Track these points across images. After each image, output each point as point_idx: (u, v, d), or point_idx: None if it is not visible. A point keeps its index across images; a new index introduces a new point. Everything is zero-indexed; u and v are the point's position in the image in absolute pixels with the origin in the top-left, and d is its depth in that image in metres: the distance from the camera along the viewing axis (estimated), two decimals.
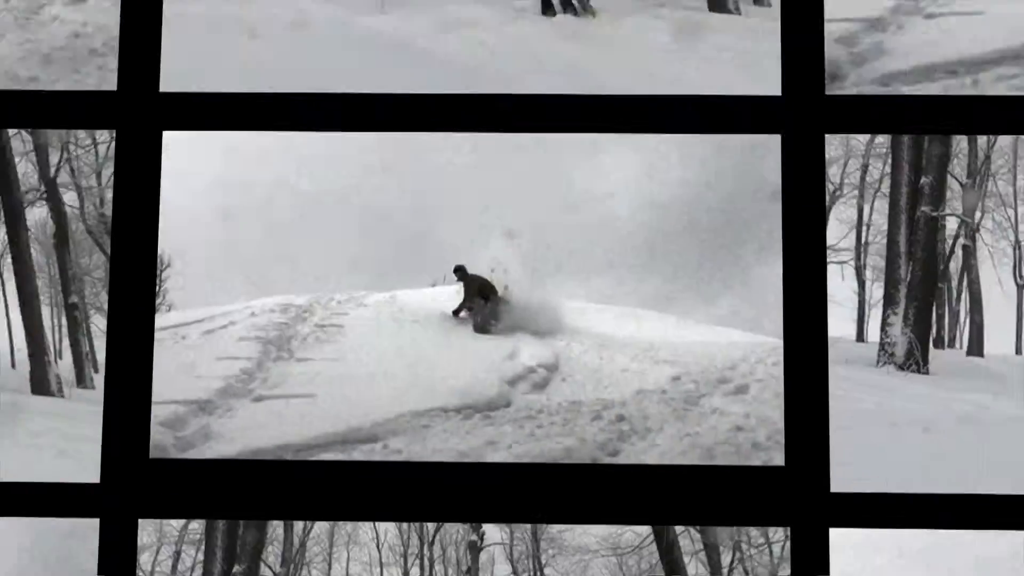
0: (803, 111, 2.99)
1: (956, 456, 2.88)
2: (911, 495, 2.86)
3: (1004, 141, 2.99)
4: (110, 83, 3.02)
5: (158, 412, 2.93)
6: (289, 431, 2.94)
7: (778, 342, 2.90)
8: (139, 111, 3.04)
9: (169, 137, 3.01)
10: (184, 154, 3.01)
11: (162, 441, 2.94)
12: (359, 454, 2.91)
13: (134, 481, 2.96)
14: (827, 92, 2.98)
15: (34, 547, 2.96)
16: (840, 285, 2.96)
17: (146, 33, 3.04)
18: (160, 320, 2.99)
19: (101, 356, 2.98)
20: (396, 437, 2.93)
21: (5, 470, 2.98)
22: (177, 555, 2.96)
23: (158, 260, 3.02)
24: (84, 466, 2.94)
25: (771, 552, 2.90)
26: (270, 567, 2.97)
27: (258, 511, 2.97)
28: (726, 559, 2.91)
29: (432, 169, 3.07)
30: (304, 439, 2.91)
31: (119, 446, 2.96)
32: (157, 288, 3.02)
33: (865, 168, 3.04)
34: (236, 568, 2.97)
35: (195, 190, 3.04)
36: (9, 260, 3.08)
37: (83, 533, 2.94)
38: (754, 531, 2.89)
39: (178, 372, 2.99)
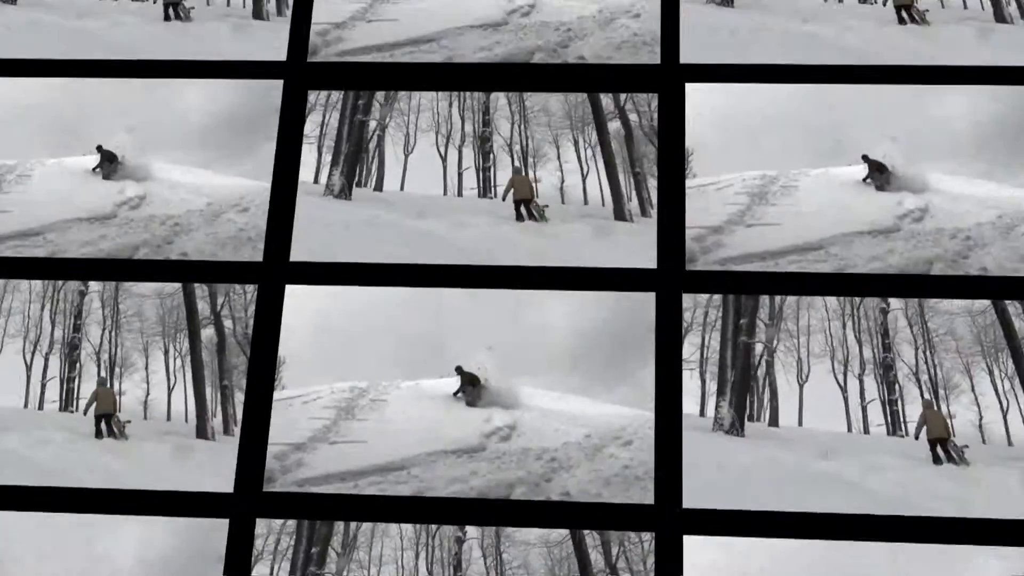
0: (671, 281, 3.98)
1: (769, 487, 3.81)
2: (748, 511, 3.76)
3: (791, 299, 3.98)
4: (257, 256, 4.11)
5: (272, 450, 3.93)
6: (350, 464, 3.94)
7: (651, 415, 3.89)
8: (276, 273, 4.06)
9: None
10: None
11: (272, 467, 3.92)
12: (392, 478, 3.90)
13: (256, 499, 3.87)
14: (688, 268, 3.98)
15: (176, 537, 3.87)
16: (689, 383, 3.94)
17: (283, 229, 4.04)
18: (277, 394, 4.01)
19: (239, 415, 3.98)
20: (416, 468, 3.93)
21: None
22: (277, 540, 3.86)
23: (277, 360, 4.02)
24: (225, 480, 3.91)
25: (643, 547, 3.76)
26: (335, 548, 3.85)
27: (332, 515, 3.87)
28: (615, 550, 3.78)
29: (447, 312, 4.02)
30: (359, 468, 3.93)
31: (249, 473, 3.90)
32: (276, 378, 4.01)
33: (706, 313, 3.98)
34: (313, 549, 3.86)
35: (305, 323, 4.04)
36: (190, 359, 4.05)
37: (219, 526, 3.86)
38: (632, 534, 3.77)
39: (286, 426, 3.98)
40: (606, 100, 4.22)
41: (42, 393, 4.03)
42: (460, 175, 4.21)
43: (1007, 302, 3.91)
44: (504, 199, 4.15)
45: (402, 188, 4.18)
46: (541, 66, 4.27)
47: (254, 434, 3.89)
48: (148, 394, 4.03)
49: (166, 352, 4.06)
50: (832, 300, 3.97)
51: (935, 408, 3.87)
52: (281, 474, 3.88)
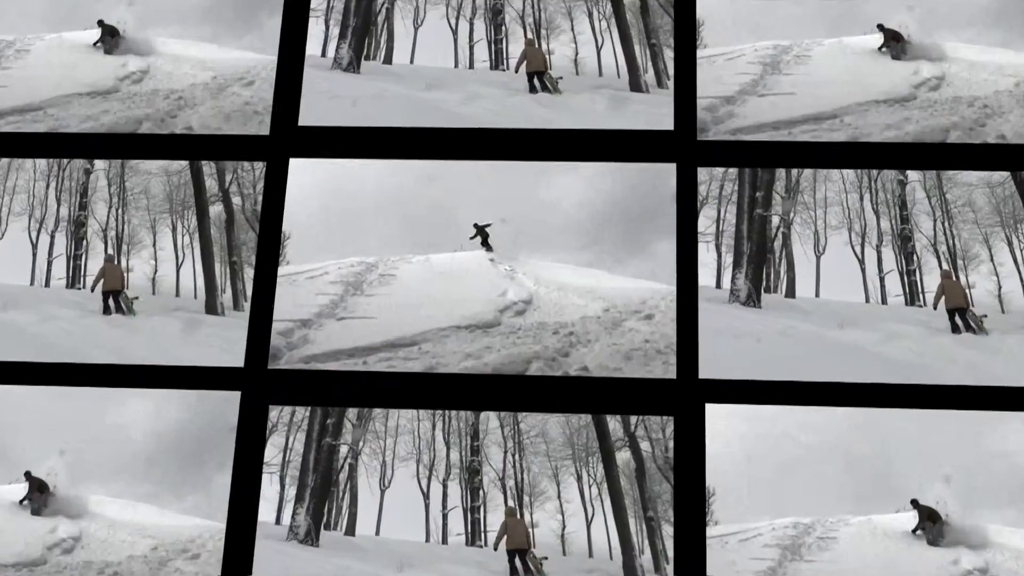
0: (684, 149, 4.10)
1: (778, 355, 3.90)
2: (755, 381, 3.87)
3: (807, 171, 4.09)
4: (265, 129, 4.25)
5: (277, 326, 4.01)
6: (359, 340, 4.00)
7: (671, 288, 3.97)
8: (281, 147, 4.20)
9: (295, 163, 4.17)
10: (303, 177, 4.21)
11: (278, 345, 3.99)
12: (403, 353, 3.97)
13: (263, 380, 3.95)
14: (699, 139, 4.12)
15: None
16: (706, 255, 4.04)
17: (289, 100, 4.25)
18: (281, 270, 4.10)
19: (250, 290, 4.07)
20: (427, 343, 3.99)
21: (187, 359, 3.98)
22: (293, 412, 3.94)
23: (282, 235, 4.12)
24: (235, 356, 3.98)
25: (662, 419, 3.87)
26: (349, 420, 3.94)
27: (339, 401, 3.95)
28: (633, 419, 3.89)
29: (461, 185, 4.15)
30: (368, 344, 3.99)
31: (257, 347, 3.98)
32: (281, 251, 4.12)
33: (722, 186, 4.09)
34: (329, 420, 3.95)
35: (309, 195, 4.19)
36: (198, 236, 4.17)
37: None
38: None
39: (290, 301, 4.06)
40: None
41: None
42: None
43: None
44: None
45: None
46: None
47: None
48: None
49: None
50: None
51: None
52: (287, 350, 4.07)
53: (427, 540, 3.86)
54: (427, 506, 3.90)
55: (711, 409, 3.89)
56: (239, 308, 4.10)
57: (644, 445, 3.89)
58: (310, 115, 4.29)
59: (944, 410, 3.84)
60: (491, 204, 4.17)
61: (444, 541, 3.86)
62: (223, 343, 4.05)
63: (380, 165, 4.23)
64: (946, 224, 4.05)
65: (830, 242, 4.07)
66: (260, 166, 4.23)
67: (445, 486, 3.92)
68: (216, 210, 4.22)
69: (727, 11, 4.32)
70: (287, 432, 3.96)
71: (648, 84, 4.28)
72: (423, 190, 4.20)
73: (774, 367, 3.92)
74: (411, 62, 4.37)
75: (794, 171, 4.12)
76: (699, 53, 4.25)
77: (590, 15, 4.35)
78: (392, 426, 3.96)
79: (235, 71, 4.38)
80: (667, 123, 4.19)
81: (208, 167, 4.27)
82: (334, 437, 3.98)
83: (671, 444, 3.87)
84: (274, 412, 3.98)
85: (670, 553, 3.77)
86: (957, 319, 3.95)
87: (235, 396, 3.99)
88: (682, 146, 4.16)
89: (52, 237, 4.23)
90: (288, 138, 4.26)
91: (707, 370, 3.93)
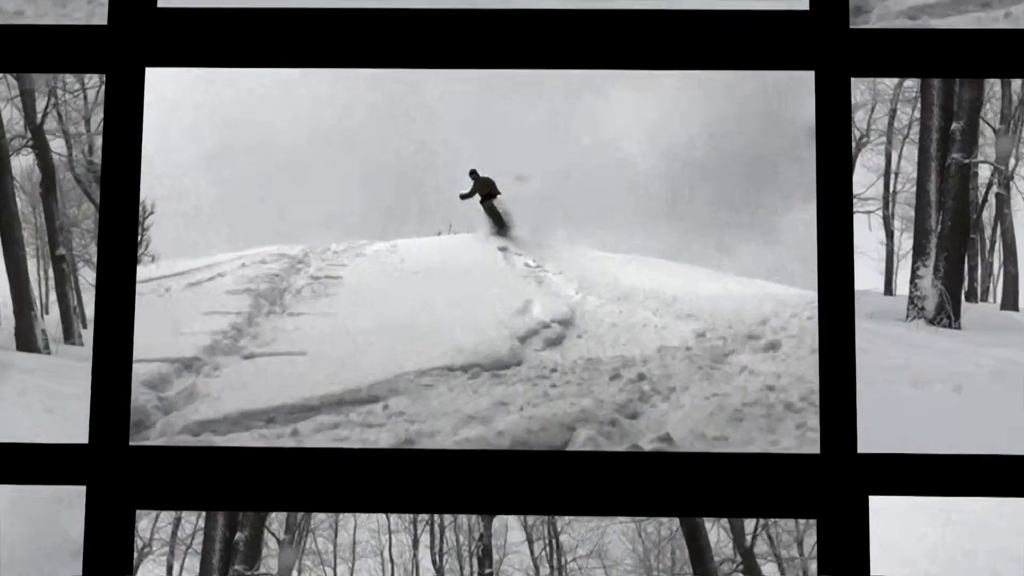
0: (828, 47, 3.36)
1: (989, 415, 3.20)
2: (950, 456, 3.20)
3: None
4: (100, 17, 3.47)
5: (141, 371, 3.26)
6: (282, 394, 3.29)
7: (809, 294, 3.23)
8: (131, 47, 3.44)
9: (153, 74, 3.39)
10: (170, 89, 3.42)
11: (144, 405, 3.28)
12: (358, 415, 3.24)
13: (122, 465, 3.27)
14: (852, 26, 3.38)
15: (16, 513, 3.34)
16: (867, 236, 3.30)
17: None
18: (142, 270, 3.37)
19: (90, 311, 3.31)
20: (398, 397, 3.32)
21: None
22: (177, 521, 3.31)
23: (141, 207, 3.40)
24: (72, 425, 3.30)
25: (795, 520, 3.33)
26: (273, 534, 3.30)
27: (254, 503, 3.27)
28: (749, 526, 3.28)
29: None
30: (298, 401, 3.27)
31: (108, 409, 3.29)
32: (141, 237, 3.39)
33: (893, 113, 3.39)
34: (239, 535, 3.29)
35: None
36: None
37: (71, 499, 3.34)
38: None
39: (162, 326, 3.37)
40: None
41: None
42: None
43: None
44: None
45: None
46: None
47: None
48: None
49: None
50: None
51: None
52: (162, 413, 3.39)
53: None
54: None
55: (878, 505, 3.21)
56: (74, 340, 3.44)
57: (768, 569, 3.28)
58: None
59: None
60: (499, 147, 3.48)
61: None
62: (50, 401, 3.33)
63: (306, 79, 3.44)
64: None
65: None
66: (96, 82, 3.44)
67: None
68: (23, 164, 3.48)
69: None
70: (169, 556, 3.32)
71: None
72: (383, 122, 3.46)
73: (983, 434, 3.20)
74: None
75: (1016, 84, 3.37)
76: None
77: None
78: (345, 543, 3.32)
79: None
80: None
81: (5, 85, 3.48)
82: (248, 564, 3.35)
83: (814, 566, 3.25)
84: (145, 521, 3.33)
85: None
86: None
87: (78, 494, 3.28)
88: (825, 40, 3.32)
89: None
90: (142, 31, 3.42)
91: (871, 441, 3.21)
